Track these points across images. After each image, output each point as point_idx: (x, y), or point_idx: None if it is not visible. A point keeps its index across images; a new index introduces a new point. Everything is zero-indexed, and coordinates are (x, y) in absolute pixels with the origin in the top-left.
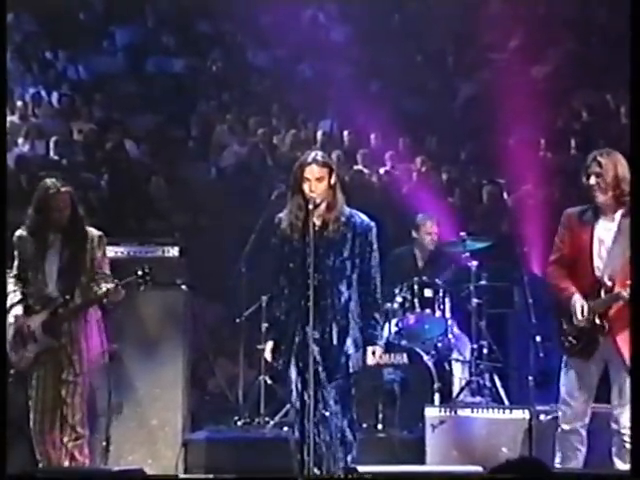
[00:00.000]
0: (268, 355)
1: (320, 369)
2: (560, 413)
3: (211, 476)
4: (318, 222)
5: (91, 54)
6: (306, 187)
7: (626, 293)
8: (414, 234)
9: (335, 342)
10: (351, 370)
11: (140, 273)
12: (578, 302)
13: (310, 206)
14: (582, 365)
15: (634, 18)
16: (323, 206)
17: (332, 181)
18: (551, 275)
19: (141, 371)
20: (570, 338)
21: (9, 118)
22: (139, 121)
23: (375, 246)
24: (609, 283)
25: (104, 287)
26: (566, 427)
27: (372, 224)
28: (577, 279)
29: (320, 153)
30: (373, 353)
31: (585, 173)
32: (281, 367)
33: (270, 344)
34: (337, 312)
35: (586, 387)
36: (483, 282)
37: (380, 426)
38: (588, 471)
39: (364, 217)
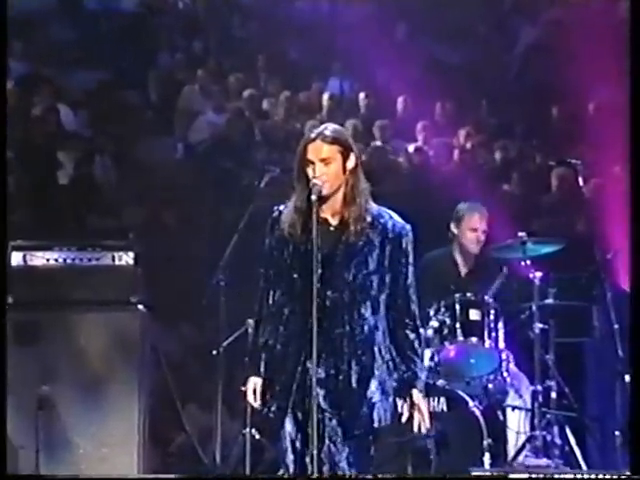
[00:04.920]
0: (253, 398)
1: (327, 419)
2: None
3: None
4: (334, 221)
5: None
6: (309, 172)
7: None
8: (454, 229)
9: (354, 385)
10: (376, 424)
11: None
12: None
13: (313, 197)
14: None
15: None
16: (338, 199)
17: (349, 164)
18: None
19: (82, 423)
20: None
21: None
22: (77, 79)
23: (411, 257)
24: None
25: None
26: None
27: (408, 227)
28: None
29: (331, 126)
30: (409, 398)
31: None
32: (274, 416)
33: (257, 382)
34: (358, 344)
35: None
36: (550, 300)
37: None
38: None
39: (396, 217)
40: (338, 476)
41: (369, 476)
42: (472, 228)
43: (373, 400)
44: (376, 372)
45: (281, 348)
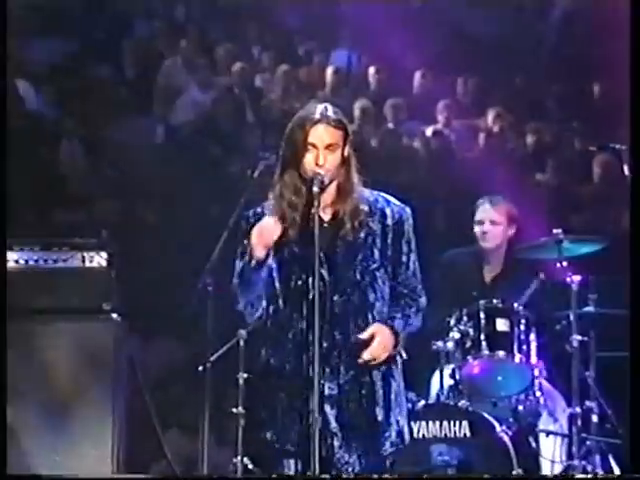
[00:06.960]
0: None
1: (339, 444)
2: None
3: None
4: (326, 216)
5: None
6: (310, 159)
7: None
8: (474, 228)
9: (381, 401)
10: (407, 437)
11: None
12: None
13: (315, 188)
14: None
15: None
16: (332, 191)
17: (346, 152)
18: None
19: (46, 450)
20: None
21: None
22: (40, 51)
23: (414, 243)
24: None
25: None
26: None
27: (407, 209)
28: None
29: (331, 107)
30: None
31: None
32: (296, 449)
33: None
34: None
35: None
36: (590, 308)
37: None
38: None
39: (393, 200)
40: (338, 476)
41: (369, 476)
42: (477, 221)
43: (397, 418)
44: (396, 377)
45: (290, 369)
